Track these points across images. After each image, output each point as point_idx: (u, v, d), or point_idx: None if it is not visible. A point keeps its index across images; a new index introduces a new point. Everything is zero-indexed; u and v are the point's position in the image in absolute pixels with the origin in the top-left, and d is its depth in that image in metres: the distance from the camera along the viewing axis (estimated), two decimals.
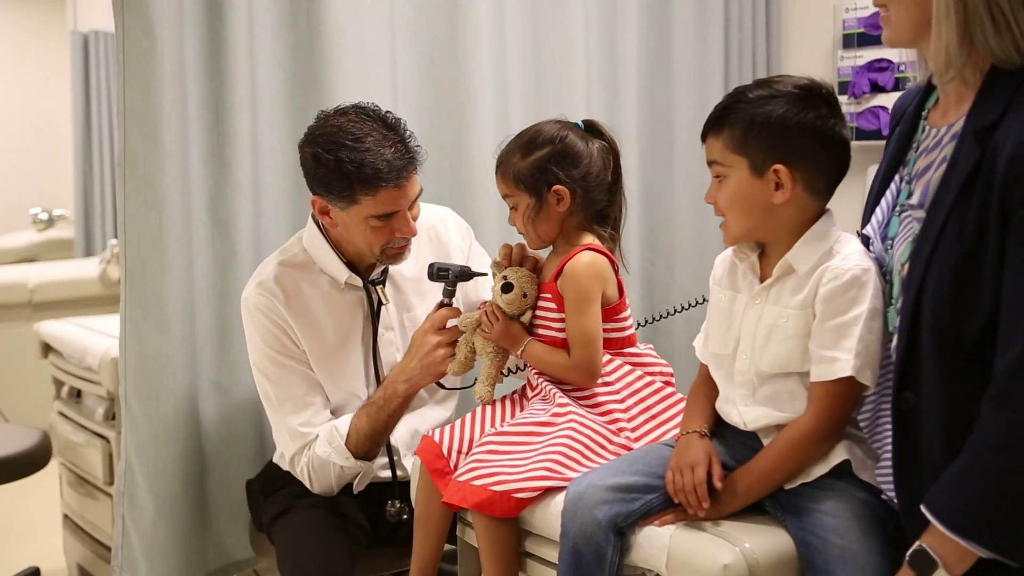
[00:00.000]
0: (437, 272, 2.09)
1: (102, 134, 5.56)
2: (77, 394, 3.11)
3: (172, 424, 2.29)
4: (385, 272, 2.24)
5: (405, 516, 2.14)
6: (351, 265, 2.19)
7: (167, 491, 2.30)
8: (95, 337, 2.98)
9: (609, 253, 1.95)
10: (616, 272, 1.96)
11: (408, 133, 2.09)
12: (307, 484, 2.16)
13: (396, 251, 2.14)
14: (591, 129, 1.98)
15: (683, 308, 2.59)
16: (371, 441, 2.12)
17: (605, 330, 1.93)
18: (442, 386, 2.23)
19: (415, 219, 2.12)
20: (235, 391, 2.41)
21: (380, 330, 2.22)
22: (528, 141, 1.95)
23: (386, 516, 2.18)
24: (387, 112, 2.11)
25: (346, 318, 2.20)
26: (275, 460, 2.30)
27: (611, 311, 1.94)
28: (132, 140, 2.21)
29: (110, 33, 5.46)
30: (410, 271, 2.25)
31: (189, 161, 2.32)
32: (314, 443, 2.13)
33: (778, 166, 1.60)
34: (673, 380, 1.98)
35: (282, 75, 2.47)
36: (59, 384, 3.20)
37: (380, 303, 2.21)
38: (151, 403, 2.27)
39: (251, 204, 2.42)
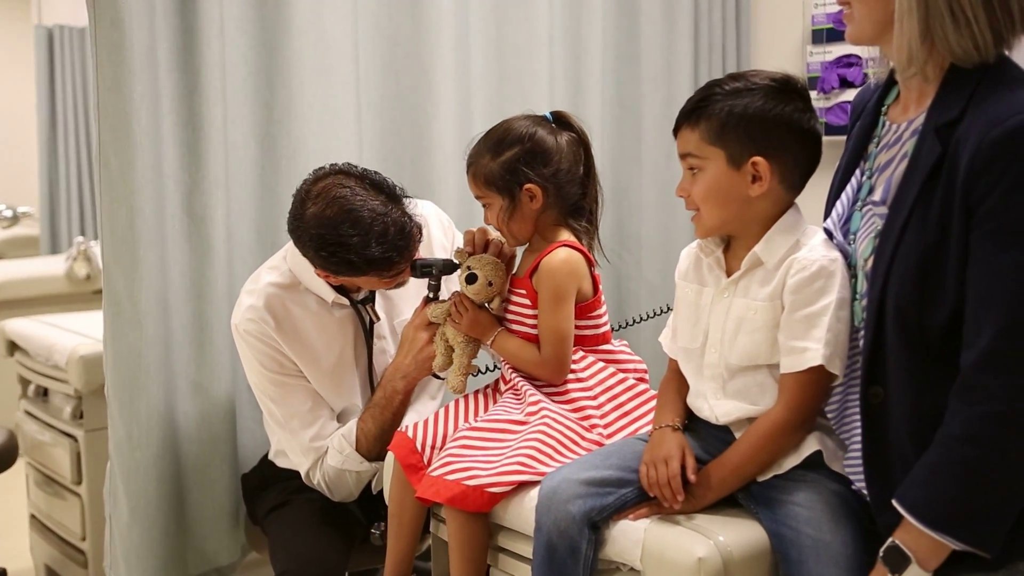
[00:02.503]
0: (420, 268, 2.08)
1: (68, 130, 5.50)
2: (44, 393, 3.08)
3: (146, 424, 2.26)
4: (373, 293, 2.22)
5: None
6: (340, 288, 2.17)
7: (141, 492, 2.27)
8: (62, 335, 2.95)
9: (585, 250, 1.95)
10: (592, 268, 1.96)
11: (394, 186, 2.06)
12: (327, 494, 2.16)
13: (399, 284, 2.15)
14: (560, 121, 1.97)
15: (651, 315, 2.59)
16: (380, 442, 2.11)
17: (580, 327, 1.93)
18: (438, 377, 2.21)
19: None
20: (214, 391, 2.38)
21: (373, 340, 2.22)
22: (497, 141, 1.93)
23: (371, 540, 2.17)
24: (363, 169, 2.07)
25: (338, 337, 2.19)
26: (270, 457, 2.30)
27: (586, 308, 1.94)
28: (104, 134, 2.18)
29: (75, 27, 5.40)
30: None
31: (163, 156, 2.29)
32: (327, 456, 2.13)
33: (757, 158, 1.61)
34: (647, 376, 1.99)
35: (247, 68, 2.45)
36: (25, 383, 3.17)
37: (372, 322, 2.21)
38: (125, 402, 2.24)
39: (226, 199, 2.39)
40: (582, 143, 1.98)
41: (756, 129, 1.60)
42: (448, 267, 2.09)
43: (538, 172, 1.91)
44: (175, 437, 2.34)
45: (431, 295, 2.11)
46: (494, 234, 2.04)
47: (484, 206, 1.98)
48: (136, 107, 2.18)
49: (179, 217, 2.34)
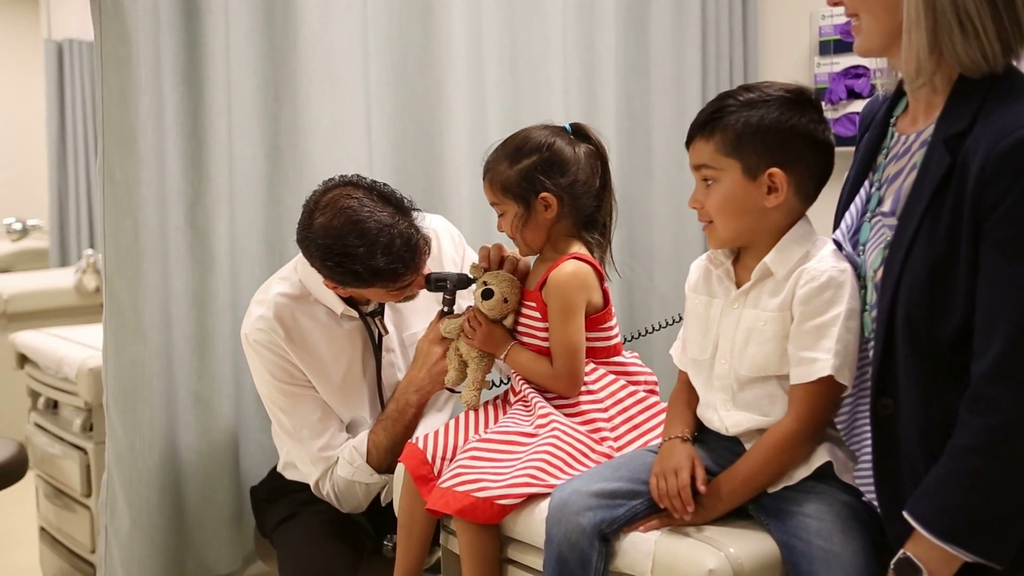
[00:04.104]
0: (435, 282, 2.09)
1: (77, 143, 5.52)
2: (54, 405, 3.09)
3: (149, 434, 2.27)
4: (382, 306, 2.23)
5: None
6: (347, 298, 2.18)
7: (144, 502, 2.28)
8: (72, 347, 2.96)
9: (595, 262, 1.95)
10: (602, 281, 1.96)
11: (403, 199, 2.05)
12: (336, 506, 2.17)
13: (408, 297, 2.14)
14: (579, 133, 1.97)
15: (664, 325, 2.59)
16: (391, 454, 2.12)
17: (590, 339, 1.93)
18: (452, 391, 2.21)
19: None
20: (215, 402, 2.38)
21: (381, 353, 2.22)
22: (515, 149, 1.94)
23: (383, 552, 2.17)
24: (372, 181, 2.07)
25: (347, 349, 2.19)
26: (279, 469, 2.30)
27: (596, 320, 1.94)
28: (109, 147, 2.19)
29: (85, 41, 5.42)
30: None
31: (167, 168, 2.30)
32: (336, 467, 2.14)
33: (774, 169, 1.61)
34: (657, 389, 1.98)
35: (255, 81, 2.46)
36: (35, 395, 3.17)
37: (381, 335, 2.21)
38: (128, 413, 2.25)
39: (229, 212, 2.40)
40: (599, 156, 1.98)
41: (772, 140, 1.60)
42: (463, 282, 2.09)
43: (554, 182, 1.91)
44: (177, 447, 2.35)
45: (445, 309, 2.12)
46: (510, 251, 2.04)
47: (499, 214, 1.98)
48: (143, 121, 2.19)
49: (182, 229, 2.35)
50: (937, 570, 1.41)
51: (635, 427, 1.90)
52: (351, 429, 2.21)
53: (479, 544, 1.78)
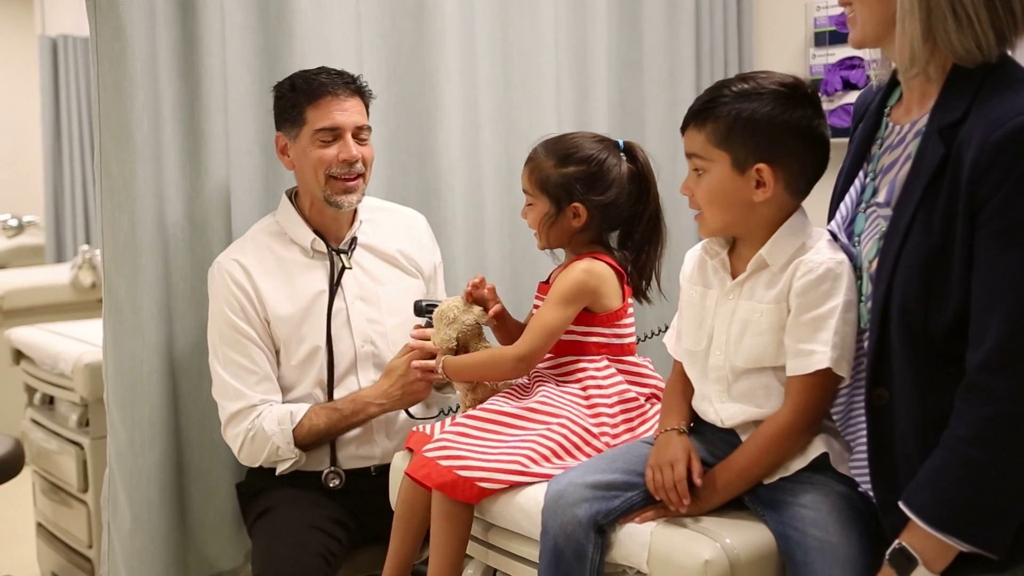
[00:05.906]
0: (426, 308, 2.15)
1: (72, 139, 5.52)
2: (50, 401, 3.08)
3: (149, 430, 2.26)
4: (353, 246, 2.32)
5: (336, 483, 2.22)
6: (319, 235, 2.28)
7: (144, 498, 2.27)
8: (68, 343, 2.95)
9: (615, 263, 1.95)
10: (623, 282, 1.96)
11: (360, 76, 2.29)
12: (235, 449, 2.22)
13: (343, 182, 2.23)
14: (629, 152, 1.98)
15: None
16: (318, 440, 2.20)
17: (604, 335, 1.94)
18: (411, 415, 2.27)
19: (365, 159, 2.27)
20: (215, 398, 2.38)
21: (349, 299, 2.28)
22: (565, 153, 1.95)
23: (322, 481, 2.23)
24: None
25: (315, 283, 2.27)
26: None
27: (611, 317, 1.95)
28: (105, 143, 2.19)
29: (79, 37, 5.42)
30: (381, 245, 2.35)
31: (163, 163, 2.30)
32: (264, 416, 2.17)
33: (761, 165, 1.60)
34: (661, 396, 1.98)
35: (251, 76, 2.46)
36: (31, 391, 3.17)
37: (343, 268, 2.28)
38: (127, 409, 2.24)
39: (227, 207, 2.40)
40: (644, 178, 1.98)
41: (762, 135, 1.59)
42: None
43: (591, 197, 1.92)
44: (177, 443, 2.35)
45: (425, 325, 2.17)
46: (488, 289, 2.06)
47: (528, 203, 2.00)
48: (138, 115, 2.19)
49: (180, 224, 2.34)
50: (932, 560, 1.41)
51: (630, 429, 1.89)
52: (307, 362, 2.24)
53: (455, 521, 1.79)
